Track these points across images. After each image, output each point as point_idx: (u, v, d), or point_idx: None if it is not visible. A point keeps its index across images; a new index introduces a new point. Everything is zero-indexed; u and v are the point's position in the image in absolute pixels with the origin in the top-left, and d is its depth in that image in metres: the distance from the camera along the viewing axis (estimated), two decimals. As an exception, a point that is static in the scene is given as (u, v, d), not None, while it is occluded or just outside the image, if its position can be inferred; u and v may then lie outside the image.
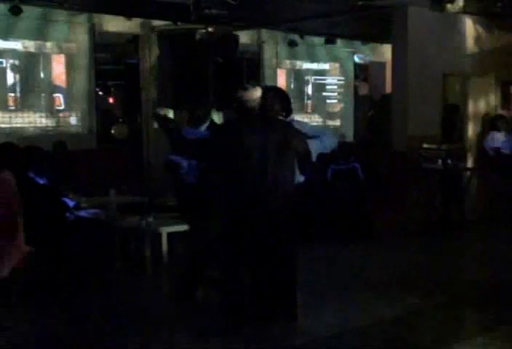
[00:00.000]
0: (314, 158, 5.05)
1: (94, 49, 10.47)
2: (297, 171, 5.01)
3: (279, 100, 5.15)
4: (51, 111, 10.11)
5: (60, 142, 8.79)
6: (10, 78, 9.72)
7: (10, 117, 9.73)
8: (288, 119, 5.18)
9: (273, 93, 5.24)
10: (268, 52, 12.61)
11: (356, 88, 14.43)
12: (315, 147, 5.01)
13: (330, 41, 12.90)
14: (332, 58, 13.68)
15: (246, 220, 4.88)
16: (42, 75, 10.01)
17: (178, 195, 6.13)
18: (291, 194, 4.89)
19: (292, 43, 12.73)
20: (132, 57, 11.57)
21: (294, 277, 5.07)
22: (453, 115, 10.78)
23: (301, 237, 5.44)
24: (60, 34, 10.10)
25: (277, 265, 4.97)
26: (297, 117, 12.65)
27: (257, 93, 4.89)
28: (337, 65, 13.84)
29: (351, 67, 14.13)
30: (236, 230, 4.95)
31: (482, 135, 10.97)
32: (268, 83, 12.25)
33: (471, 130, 11.07)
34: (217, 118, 7.60)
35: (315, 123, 12.98)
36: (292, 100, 5.47)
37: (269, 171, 4.79)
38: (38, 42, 9.90)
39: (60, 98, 10.23)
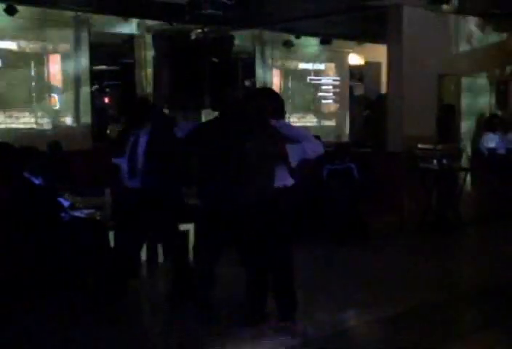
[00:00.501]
0: (294, 164, 4.85)
1: (90, 49, 10.47)
2: (287, 174, 4.93)
3: (271, 102, 5.04)
4: (46, 111, 10.10)
5: (55, 142, 8.77)
6: (6, 77, 9.71)
7: (5, 117, 9.72)
8: (279, 123, 5.04)
9: (265, 94, 5.18)
10: (263, 52, 12.61)
11: (351, 88, 14.46)
12: (297, 154, 4.84)
13: (325, 41, 12.92)
14: (328, 58, 13.70)
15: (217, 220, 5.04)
16: (38, 75, 10.00)
17: (117, 199, 6.12)
18: (268, 195, 4.81)
19: (287, 44, 12.74)
20: (127, 57, 11.56)
21: (289, 277, 5.05)
22: (448, 116, 10.78)
23: (297, 237, 5.43)
24: (55, 34, 10.09)
25: (271, 266, 4.97)
26: (293, 117, 12.81)
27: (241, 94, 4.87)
28: (332, 65, 13.86)
29: (347, 67, 14.15)
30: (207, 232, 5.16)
31: (477, 135, 10.99)
32: (263, 83, 12.26)
33: (467, 130, 11.09)
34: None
35: (309, 124, 13.03)
36: (288, 101, 5.39)
37: (239, 174, 4.76)
38: (34, 42, 9.89)
39: (55, 98, 10.23)
